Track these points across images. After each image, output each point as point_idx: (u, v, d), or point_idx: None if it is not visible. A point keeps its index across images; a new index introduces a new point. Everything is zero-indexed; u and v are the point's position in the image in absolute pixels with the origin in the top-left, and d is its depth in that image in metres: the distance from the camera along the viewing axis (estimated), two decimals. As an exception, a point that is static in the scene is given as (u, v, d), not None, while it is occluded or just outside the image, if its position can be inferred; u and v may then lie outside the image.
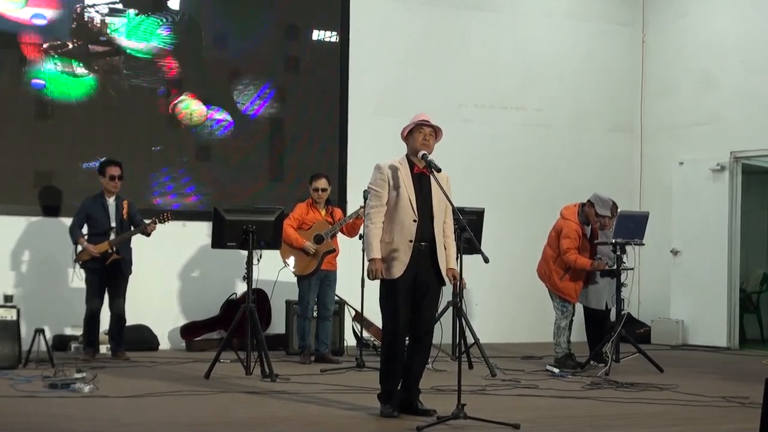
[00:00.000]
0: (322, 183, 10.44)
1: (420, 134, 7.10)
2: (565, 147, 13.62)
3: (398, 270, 6.97)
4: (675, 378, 9.33)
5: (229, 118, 11.92)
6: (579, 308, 10.41)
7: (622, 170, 13.83)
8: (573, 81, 13.77)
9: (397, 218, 7.01)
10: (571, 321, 10.18)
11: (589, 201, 10.17)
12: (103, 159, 10.67)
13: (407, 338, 7.16)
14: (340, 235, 10.44)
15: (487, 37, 13.28)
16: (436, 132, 7.18)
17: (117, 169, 10.31)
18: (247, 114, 11.98)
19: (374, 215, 7.04)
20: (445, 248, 7.11)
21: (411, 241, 6.97)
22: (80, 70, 11.30)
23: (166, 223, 10.26)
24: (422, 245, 7.00)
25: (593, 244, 10.20)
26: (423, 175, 7.11)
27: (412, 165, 7.12)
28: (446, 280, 7.11)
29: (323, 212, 10.46)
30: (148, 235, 10.20)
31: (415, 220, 6.99)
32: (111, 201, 10.28)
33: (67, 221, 10.42)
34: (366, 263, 7.19)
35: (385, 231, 7.02)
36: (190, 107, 11.76)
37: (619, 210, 10.67)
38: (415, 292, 7.03)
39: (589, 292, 10.25)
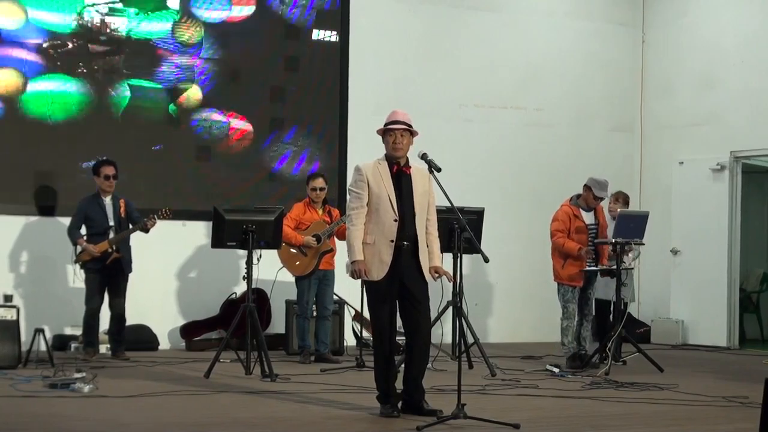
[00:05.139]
0: (319, 182, 10.45)
1: (390, 137, 7.09)
2: (565, 147, 13.62)
3: (380, 271, 6.98)
4: (675, 378, 9.33)
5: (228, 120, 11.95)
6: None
7: (622, 170, 13.82)
8: (573, 81, 13.77)
9: (378, 219, 7.01)
10: (587, 321, 10.16)
11: (585, 185, 10.16)
12: (97, 159, 10.70)
13: (405, 340, 7.17)
14: (338, 234, 10.47)
15: (487, 37, 13.28)
16: (411, 130, 7.14)
17: (111, 169, 10.31)
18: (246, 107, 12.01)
19: (355, 217, 7.05)
20: (427, 245, 7.11)
21: (392, 241, 6.98)
22: (80, 69, 11.31)
23: (165, 218, 10.24)
24: (404, 245, 7.00)
25: (595, 243, 10.17)
26: (402, 173, 7.10)
27: (391, 165, 7.12)
28: (428, 278, 7.09)
29: (320, 212, 10.47)
30: (147, 231, 10.19)
31: (395, 220, 7.00)
32: (107, 200, 10.29)
33: (65, 221, 10.42)
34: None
35: (366, 232, 7.03)
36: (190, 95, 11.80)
37: (619, 210, 10.70)
38: (405, 294, 7.03)
39: (596, 285, 10.29)
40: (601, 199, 10.19)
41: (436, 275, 7.13)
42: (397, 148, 7.08)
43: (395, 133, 7.09)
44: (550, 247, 10.21)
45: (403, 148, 7.10)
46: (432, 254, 7.13)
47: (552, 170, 13.39)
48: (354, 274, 7.06)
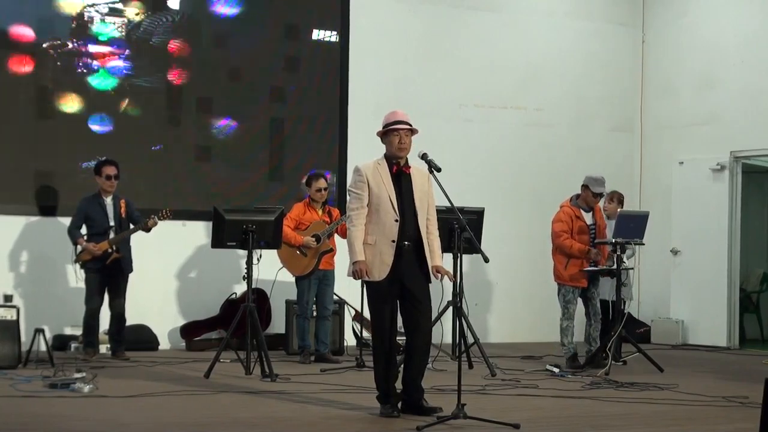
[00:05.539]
0: (323, 183, 10.46)
1: (395, 137, 7.08)
2: (565, 147, 13.63)
3: (381, 272, 6.98)
4: (675, 378, 9.33)
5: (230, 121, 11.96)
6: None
7: (622, 170, 13.82)
8: (573, 81, 13.77)
9: (378, 219, 7.02)
10: (596, 321, 10.15)
11: (583, 185, 10.16)
12: (100, 159, 10.70)
13: (405, 340, 7.17)
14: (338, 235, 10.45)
15: (487, 37, 13.28)
16: (412, 129, 7.14)
17: (113, 169, 10.32)
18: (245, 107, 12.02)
19: (355, 217, 7.05)
20: (428, 244, 7.10)
21: (393, 241, 6.98)
22: (80, 69, 11.31)
23: (166, 219, 10.25)
24: (406, 245, 7.01)
25: (595, 243, 10.17)
26: (402, 173, 7.11)
27: (391, 165, 7.12)
28: (432, 277, 7.10)
29: (320, 212, 10.47)
30: (148, 230, 10.19)
31: (396, 220, 7.00)
32: (108, 200, 10.29)
33: (65, 221, 10.43)
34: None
35: (367, 232, 7.04)
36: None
37: (619, 210, 10.69)
38: (407, 294, 7.03)
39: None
40: (600, 195, 10.16)
41: (438, 274, 7.13)
42: (402, 148, 7.08)
43: (400, 134, 7.09)
44: (551, 248, 10.21)
45: (407, 148, 7.11)
46: (433, 253, 7.13)
47: (552, 170, 13.39)
48: (355, 274, 7.05)
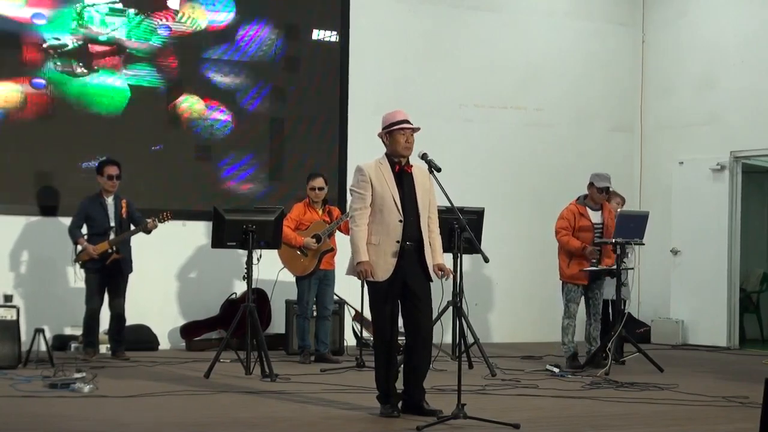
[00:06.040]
0: (319, 182, 10.45)
1: (402, 136, 7.06)
2: (565, 147, 13.63)
3: (385, 272, 6.97)
4: (675, 378, 9.33)
5: (230, 119, 11.94)
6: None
7: (622, 170, 13.81)
8: (573, 81, 13.77)
9: (382, 219, 7.01)
10: (596, 320, 10.15)
11: (589, 183, 10.15)
12: (101, 159, 10.71)
13: (406, 340, 7.17)
14: (338, 234, 10.45)
15: (487, 37, 13.28)
16: (414, 128, 7.15)
17: (115, 169, 10.32)
18: (245, 107, 12.00)
19: (358, 217, 7.04)
20: (429, 243, 7.10)
21: (398, 241, 6.98)
22: (80, 69, 11.32)
23: (166, 221, 10.26)
24: (408, 245, 7.00)
25: (595, 243, 10.16)
26: (404, 173, 7.10)
27: (393, 164, 7.11)
28: (432, 276, 7.09)
29: (320, 212, 10.47)
30: (149, 232, 10.20)
31: (400, 221, 6.99)
32: (109, 201, 10.29)
33: (66, 221, 10.43)
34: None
35: (371, 233, 7.02)
36: (192, 104, 11.77)
37: (619, 210, 10.68)
38: (408, 294, 7.02)
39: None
40: (605, 190, 10.11)
41: (440, 273, 7.12)
42: (408, 147, 7.08)
43: (406, 133, 7.08)
44: (557, 246, 10.20)
45: (412, 147, 7.12)
46: (435, 252, 7.13)
47: (552, 170, 13.39)
48: (359, 275, 7.05)
